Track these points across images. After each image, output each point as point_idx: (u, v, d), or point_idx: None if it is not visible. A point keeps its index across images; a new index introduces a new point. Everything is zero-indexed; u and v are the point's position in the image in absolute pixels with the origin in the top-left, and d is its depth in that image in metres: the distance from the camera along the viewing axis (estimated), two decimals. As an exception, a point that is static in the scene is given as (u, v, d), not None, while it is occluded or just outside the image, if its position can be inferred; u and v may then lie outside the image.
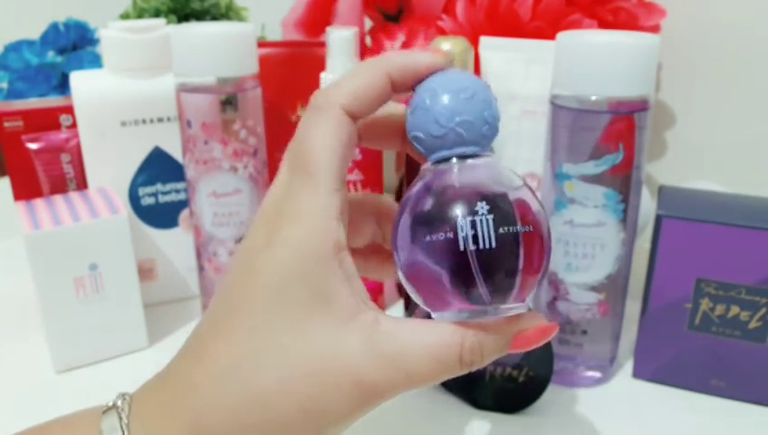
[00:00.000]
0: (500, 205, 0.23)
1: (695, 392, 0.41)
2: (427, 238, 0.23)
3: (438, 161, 0.24)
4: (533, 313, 0.25)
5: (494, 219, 0.22)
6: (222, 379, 0.24)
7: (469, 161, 0.24)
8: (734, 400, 0.41)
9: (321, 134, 0.25)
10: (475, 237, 0.22)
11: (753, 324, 0.39)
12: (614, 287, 0.40)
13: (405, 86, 0.26)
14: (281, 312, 0.24)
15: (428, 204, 0.24)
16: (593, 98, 0.36)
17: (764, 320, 0.38)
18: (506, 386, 0.39)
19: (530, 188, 0.24)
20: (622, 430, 0.38)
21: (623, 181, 0.38)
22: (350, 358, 0.23)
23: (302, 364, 0.23)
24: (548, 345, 0.38)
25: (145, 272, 0.52)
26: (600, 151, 0.37)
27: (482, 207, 0.22)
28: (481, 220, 0.22)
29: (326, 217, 0.24)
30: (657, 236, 0.39)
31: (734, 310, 0.39)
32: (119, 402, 0.26)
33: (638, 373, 0.43)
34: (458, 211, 0.22)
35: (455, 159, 0.24)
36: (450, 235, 0.22)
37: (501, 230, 0.22)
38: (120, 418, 0.25)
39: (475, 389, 0.40)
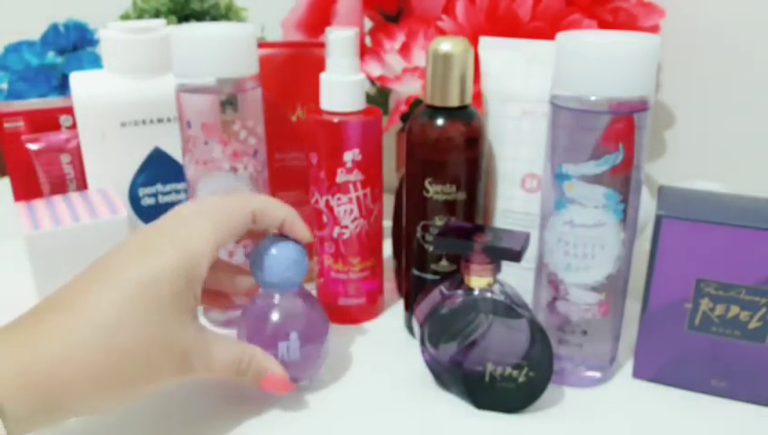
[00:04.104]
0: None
1: (695, 392, 0.41)
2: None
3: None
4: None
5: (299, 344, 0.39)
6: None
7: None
8: (734, 400, 0.41)
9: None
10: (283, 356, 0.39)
11: (753, 324, 0.39)
12: (614, 287, 0.40)
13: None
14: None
15: (260, 324, 0.40)
16: (593, 98, 0.36)
17: (764, 320, 0.38)
18: (506, 386, 0.39)
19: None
20: (622, 430, 0.38)
21: (623, 181, 0.38)
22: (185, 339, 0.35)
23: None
24: (548, 345, 0.38)
25: (145, 272, 0.52)
26: (600, 151, 0.37)
27: (294, 337, 0.39)
28: (289, 345, 0.39)
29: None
30: (657, 236, 0.39)
31: (734, 310, 0.39)
32: None
33: (638, 373, 0.43)
34: (276, 337, 0.39)
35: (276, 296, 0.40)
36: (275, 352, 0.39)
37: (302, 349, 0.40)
38: None
39: (475, 389, 0.40)
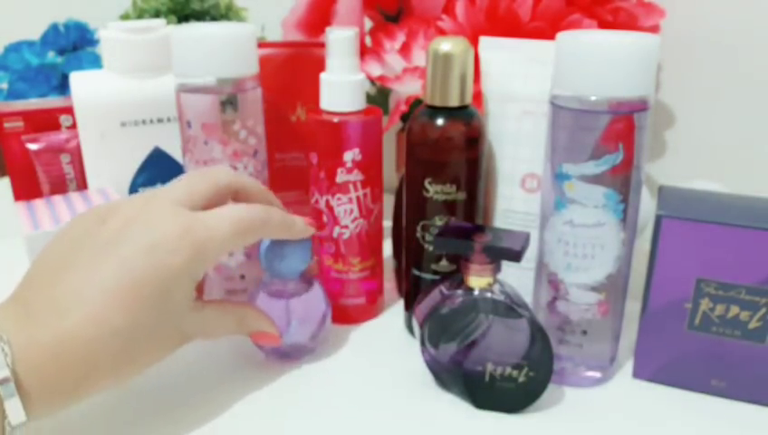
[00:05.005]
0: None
1: (695, 392, 0.41)
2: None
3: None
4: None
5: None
6: None
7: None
8: (734, 400, 0.41)
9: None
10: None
11: (753, 324, 0.39)
12: (614, 287, 0.40)
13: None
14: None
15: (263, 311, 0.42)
16: (593, 98, 0.36)
17: (764, 320, 0.38)
18: (506, 386, 0.39)
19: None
20: (622, 429, 0.38)
21: (623, 181, 0.38)
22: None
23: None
24: (548, 345, 0.38)
25: (145, 272, 0.52)
26: (600, 151, 0.37)
27: (295, 323, 0.43)
28: (290, 331, 0.43)
29: None
30: (657, 236, 0.39)
31: (734, 310, 0.39)
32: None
33: (638, 373, 0.43)
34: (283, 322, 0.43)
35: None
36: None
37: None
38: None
39: (475, 389, 0.40)
